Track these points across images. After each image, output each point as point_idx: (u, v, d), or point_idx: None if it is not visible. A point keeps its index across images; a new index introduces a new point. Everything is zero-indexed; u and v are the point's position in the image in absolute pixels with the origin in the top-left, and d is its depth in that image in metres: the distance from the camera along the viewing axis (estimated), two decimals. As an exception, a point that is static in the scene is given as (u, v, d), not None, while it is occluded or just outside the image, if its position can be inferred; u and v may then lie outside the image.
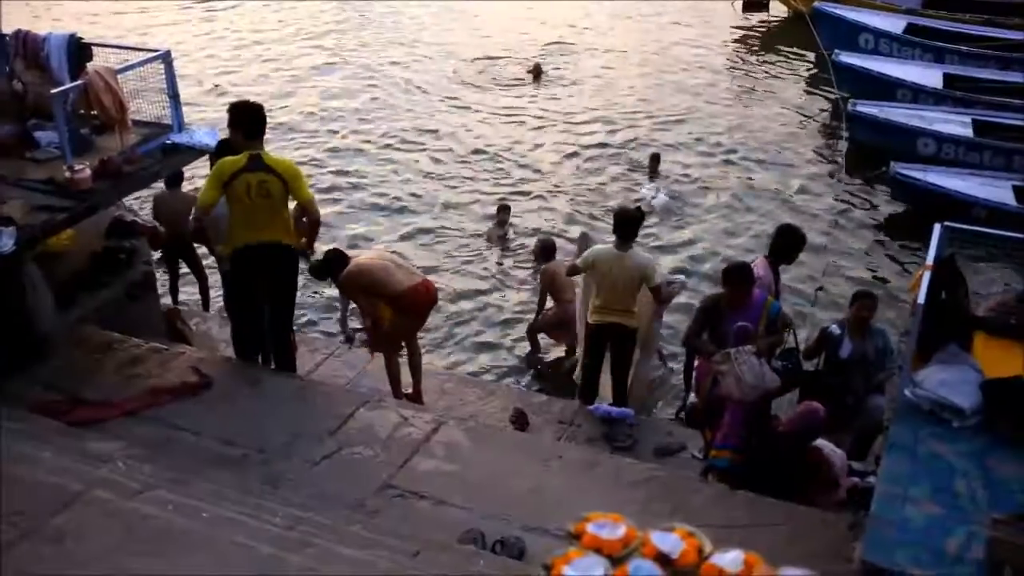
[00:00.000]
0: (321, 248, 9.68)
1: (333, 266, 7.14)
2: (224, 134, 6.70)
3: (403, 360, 7.33)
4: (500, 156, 12.95)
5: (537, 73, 15.68)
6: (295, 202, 6.40)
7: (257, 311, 6.62)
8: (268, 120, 6.38)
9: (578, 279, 7.58)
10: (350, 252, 7.44)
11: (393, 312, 7.07)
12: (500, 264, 10.28)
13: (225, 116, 6.33)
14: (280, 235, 6.30)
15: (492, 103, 14.78)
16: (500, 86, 15.50)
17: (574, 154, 13.00)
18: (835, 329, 6.69)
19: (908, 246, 10.57)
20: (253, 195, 6.07)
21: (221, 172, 6.11)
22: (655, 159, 12.36)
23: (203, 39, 17.73)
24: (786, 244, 6.87)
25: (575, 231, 10.03)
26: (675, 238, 10.80)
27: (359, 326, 8.74)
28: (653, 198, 11.26)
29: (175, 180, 8.51)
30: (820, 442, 6.02)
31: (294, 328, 7.30)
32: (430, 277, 7.61)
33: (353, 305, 8.70)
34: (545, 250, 9.05)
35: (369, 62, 16.52)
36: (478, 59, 16.66)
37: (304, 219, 6.48)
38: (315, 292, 9.41)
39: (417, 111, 14.48)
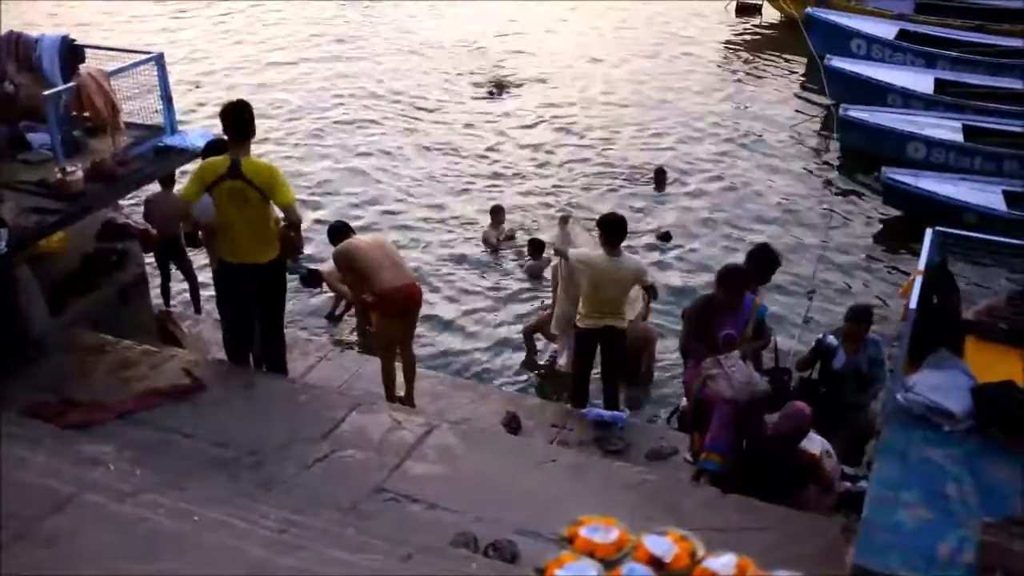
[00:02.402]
0: (308, 251, 9.61)
1: (334, 234, 7.40)
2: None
3: (398, 364, 7.29)
4: (490, 161, 12.97)
5: (500, 87, 15.56)
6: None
7: (247, 313, 6.61)
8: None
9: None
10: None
11: (378, 312, 7.06)
12: (493, 266, 10.26)
13: (207, 118, 6.30)
14: (261, 252, 6.25)
15: (488, 110, 14.78)
16: (491, 93, 15.48)
17: (567, 161, 12.99)
18: (832, 340, 6.67)
19: (900, 251, 10.61)
20: (231, 201, 6.05)
21: (203, 173, 6.10)
22: (660, 173, 12.21)
23: (195, 38, 17.75)
24: (760, 264, 6.72)
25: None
26: (668, 244, 10.81)
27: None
28: None
29: (167, 180, 8.48)
30: (817, 441, 6.02)
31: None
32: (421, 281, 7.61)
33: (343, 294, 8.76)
34: (535, 247, 9.92)
35: (354, 67, 16.48)
36: (470, 61, 16.69)
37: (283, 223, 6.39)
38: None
39: (406, 115, 14.50)
